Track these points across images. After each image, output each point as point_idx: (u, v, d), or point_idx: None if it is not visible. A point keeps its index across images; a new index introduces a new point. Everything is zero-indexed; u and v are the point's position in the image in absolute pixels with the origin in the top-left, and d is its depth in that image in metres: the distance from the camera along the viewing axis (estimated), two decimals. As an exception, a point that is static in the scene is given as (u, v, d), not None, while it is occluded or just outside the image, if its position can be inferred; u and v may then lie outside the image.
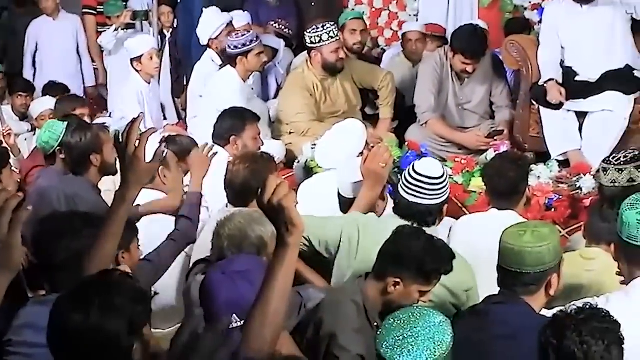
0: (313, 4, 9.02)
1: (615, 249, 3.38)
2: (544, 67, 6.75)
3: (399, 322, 3.03)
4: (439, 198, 4.14)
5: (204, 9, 7.96)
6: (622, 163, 4.65)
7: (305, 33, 7.14)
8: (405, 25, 8.57)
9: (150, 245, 4.41)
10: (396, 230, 3.71)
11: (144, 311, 2.66)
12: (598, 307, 2.85)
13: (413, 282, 3.59)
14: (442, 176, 4.15)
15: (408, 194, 4.15)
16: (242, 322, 2.85)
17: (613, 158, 4.78)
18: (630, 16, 6.61)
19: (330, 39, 6.93)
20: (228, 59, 7.09)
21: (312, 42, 7.01)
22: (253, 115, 5.84)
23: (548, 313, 3.59)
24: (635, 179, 4.66)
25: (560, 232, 5.58)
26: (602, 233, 4.20)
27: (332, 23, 7.14)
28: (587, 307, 2.80)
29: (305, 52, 7.46)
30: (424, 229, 3.84)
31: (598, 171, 4.93)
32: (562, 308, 3.07)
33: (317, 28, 7.01)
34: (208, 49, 7.74)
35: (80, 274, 2.92)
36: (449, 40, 7.21)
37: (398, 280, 3.59)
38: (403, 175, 4.21)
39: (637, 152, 4.82)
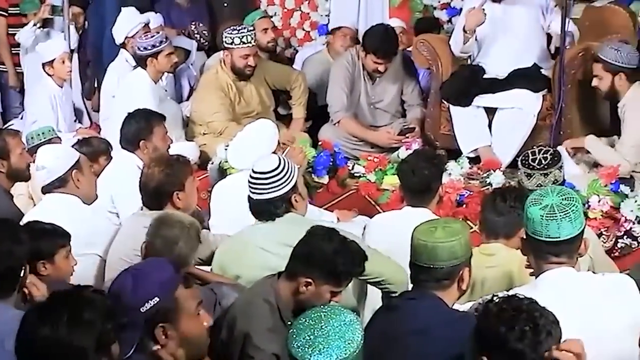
0: (226, 4, 8.98)
1: (522, 243, 3.44)
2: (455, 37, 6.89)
3: (309, 321, 3.03)
4: (279, 190, 4.21)
5: (122, 8, 7.88)
6: (545, 167, 4.70)
7: (222, 32, 7.14)
8: (334, 21, 8.62)
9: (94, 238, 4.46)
10: (309, 231, 3.75)
11: (113, 329, 2.66)
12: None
13: (324, 283, 3.62)
14: (275, 169, 4.21)
15: (252, 192, 4.25)
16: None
17: (533, 161, 4.79)
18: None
19: (242, 43, 6.93)
20: (139, 61, 7.05)
21: (225, 42, 7.01)
22: (159, 116, 5.77)
23: (461, 307, 3.66)
24: (559, 180, 4.74)
25: (472, 227, 5.67)
26: (498, 227, 4.28)
27: (250, 28, 7.16)
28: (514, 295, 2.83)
29: (219, 52, 7.47)
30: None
31: (518, 171, 4.95)
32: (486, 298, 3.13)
33: (233, 30, 7.02)
34: (122, 49, 7.68)
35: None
36: (361, 40, 7.26)
37: (309, 280, 3.62)
38: (248, 178, 4.29)
39: (551, 152, 4.89)
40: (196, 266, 4.41)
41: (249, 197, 4.30)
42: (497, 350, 2.58)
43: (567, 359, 2.55)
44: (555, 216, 3.21)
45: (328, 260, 3.60)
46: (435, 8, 8.67)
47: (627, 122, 6.00)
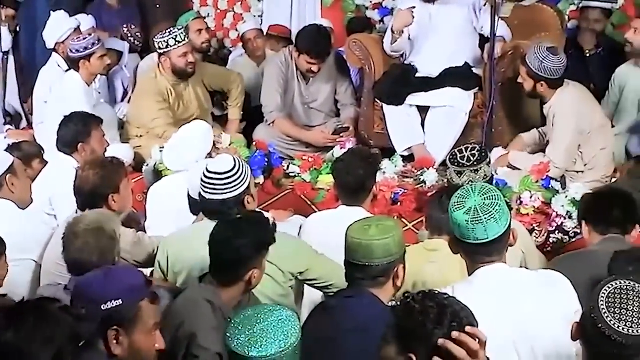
0: (157, 5, 8.97)
1: (452, 244, 3.45)
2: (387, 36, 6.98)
3: (248, 318, 3.05)
4: (234, 191, 4.23)
5: (52, 12, 7.81)
6: (475, 163, 4.75)
7: (154, 40, 7.11)
8: (242, 26, 8.67)
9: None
10: (210, 234, 3.77)
11: (72, 351, 2.68)
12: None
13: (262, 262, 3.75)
14: (231, 170, 4.23)
15: (205, 192, 4.25)
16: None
17: (462, 158, 4.84)
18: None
19: (177, 43, 6.92)
20: (71, 63, 7.00)
21: (160, 48, 6.98)
22: (96, 119, 5.75)
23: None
24: (489, 175, 4.79)
25: (407, 225, 5.74)
26: (443, 224, 4.28)
27: (179, 27, 7.15)
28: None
29: (153, 54, 7.45)
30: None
31: (447, 170, 4.99)
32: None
33: (164, 34, 7.00)
34: (54, 53, 7.61)
35: None
36: (294, 40, 7.27)
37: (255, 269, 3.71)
38: (201, 176, 4.29)
39: (478, 148, 4.95)
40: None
41: (201, 196, 4.29)
42: (424, 347, 2.57)
43: (458, 351, 2.56)
44: (480, 219, 3.23)
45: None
46: (367, 8, 8.73)
47: (556, 128, 6.06)
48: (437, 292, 2.72)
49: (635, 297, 2.79)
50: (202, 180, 4.27)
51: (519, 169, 6.10)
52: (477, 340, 2.58)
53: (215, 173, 4.23)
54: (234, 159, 4.32)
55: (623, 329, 2.74)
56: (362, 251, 3.54)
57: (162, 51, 6.99)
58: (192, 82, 7.15)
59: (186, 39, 7.03)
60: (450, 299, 2.68)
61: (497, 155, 6.27)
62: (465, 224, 3.24)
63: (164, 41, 6.94)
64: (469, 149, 4.91)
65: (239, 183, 4.25)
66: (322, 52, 6.92)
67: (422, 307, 2.62)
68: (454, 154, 4.93)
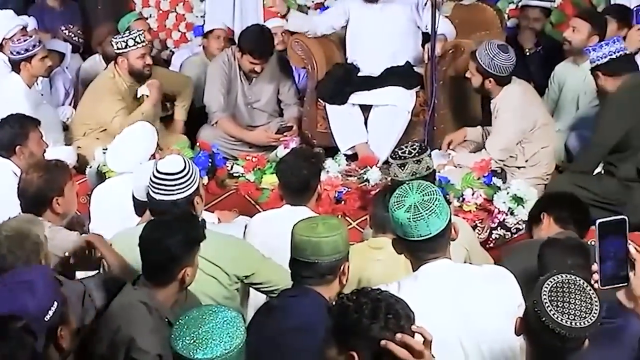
0: (99, 6, 8.92)
1: (395, 244, 3.44)
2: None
3: (192, 320, 3.04)
4: (185, 191, 4.22)
5: (-1, 10, 7.75)
6: (416, 155, 4.80)
7: (112, 40, 7.09)
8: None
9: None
10: (139, 236, 3.76)
11: None
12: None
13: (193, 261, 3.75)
14: (182, 170, 4.22)
15: (155, 192, 4.23)
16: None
17: (403, 152, 4.84)
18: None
19: (136, 44, 6.90)
20: (12, 65, 6.94)
21: (118, 48, 6.96)
22: (33, 120, 5.70)
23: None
24: (431, 166, 4.84)
25: (351, 223, 5.78)
26: (387, 222, 4.27)
27: (140, 29, 7.13)
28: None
29: (95, 55, 7.41)
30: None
31: (389, 166, 5.03)
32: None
33: (123, 34, 6.98)
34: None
35: None
36: (237, 40, 7.28)
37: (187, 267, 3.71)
38: (150, 176, 4.29)
39: (418, 143, 5.01)
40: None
41: (150, 197, 4.26)
42: (363, 342, 2.60)
43: (401, 353, 2.60)
44: (422, 215, 3.23)
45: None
46: (309, 7, 8.75)
47: (497, 123, 6.15)
48: (370, 289, 2.75)
49: (576, 291, 2.85)
50: (151, 181, 4.24)
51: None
52: (423, 339, 2.62)
53: (165, 174, 4.20)
54: (184, 159, 4.31)
55: (566, 321, 2.79)
56: (311, 248, 3.56)
57: (120, 51, 6.96)
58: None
59: (145, 40, 7.02)
60: (383, 293, 2.71)
61: (438, 160, 6.31)
62: (407, 221, 3.25)
63: (123, 42, 6.93)
64: (410, 145, 4.96)
65: (190, 183, 4.23)
66: (265, 52, 6.95)
67: (356, 304, 2.65)
68: (394, 151, 4.96)
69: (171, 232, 3.67)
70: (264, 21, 8.16)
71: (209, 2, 9.02)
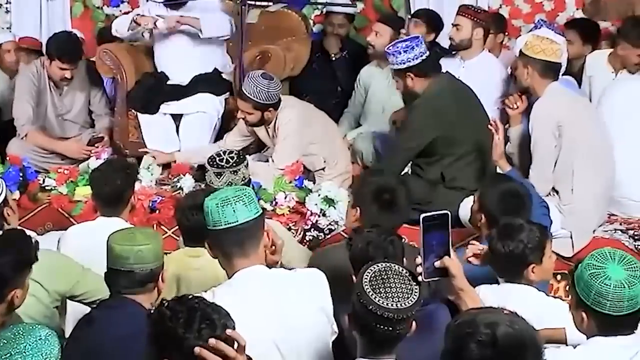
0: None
1: (209, 245, 3.47)
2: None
3: (4, 340, 3.00)
4: None
5: None
6: (234, 165, 4.86)
7: None
8: None
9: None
10: None
11: None
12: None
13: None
14: None
15: None
16: None
17: (221, 160, 4.94)
18: None
19: None
20: None
21: None
22: None
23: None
24: (246, 177, 4.91)
25: (167, 232, 5.79)
26: (195, 226, 4.29)
27: None
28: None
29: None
30: None
31: (206, 172, 5.08)
32: None
33: None
34: None
35: None
36: (45, 48, 7.20)
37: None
38: None
39: (236, 152, 5.07)
40: None
41: None
42: (177, 351, 2.64)
43: (212, 358, 2.63)
44: (229, 201, 3.30)
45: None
46: (117, 17, 8.67)
47: (280, 139, 6.20)
48: (190, 297, 2.79)
49: (394, 275, 3.01)
50: None
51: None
52: (237, 344, 2.68)
53: None
54: None
55: (391, 304, 2.94)
56: (134, 257, 3.55)
57: None
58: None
59: None
60: (202, 302, 2.76)
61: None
62: (215, 208, 3.31)
63: None
64: (227, 153, 5.02)
65: None
66: (73, 56, 6.86)
67: (172, 312, 2.70)
68: (212, 157, 5.02)
69: (1, 253, 3.60)
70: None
71: (15, 13, 8.81)
